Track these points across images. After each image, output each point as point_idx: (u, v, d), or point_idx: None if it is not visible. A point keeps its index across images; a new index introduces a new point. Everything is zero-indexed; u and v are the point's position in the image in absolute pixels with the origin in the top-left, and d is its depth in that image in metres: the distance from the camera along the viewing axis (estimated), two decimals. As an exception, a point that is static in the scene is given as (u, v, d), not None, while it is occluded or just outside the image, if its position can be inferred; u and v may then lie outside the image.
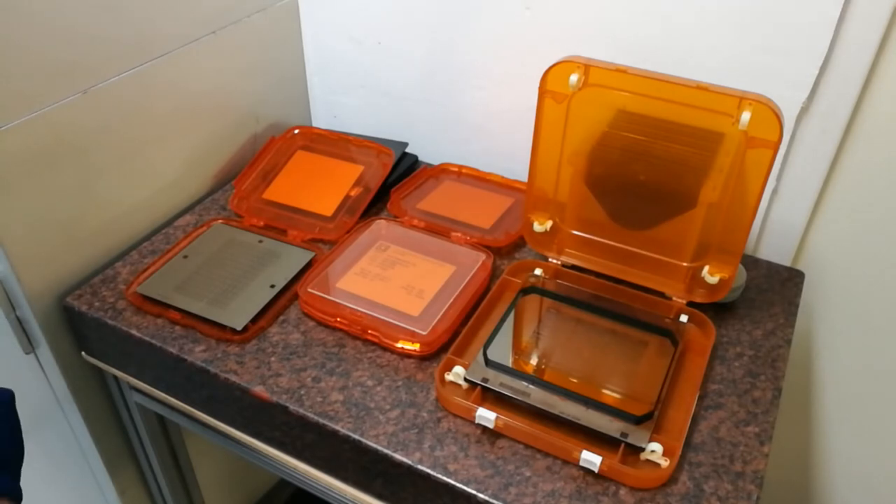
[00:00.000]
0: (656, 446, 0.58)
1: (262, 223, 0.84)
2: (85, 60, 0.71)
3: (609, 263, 0.74)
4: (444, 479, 0.58)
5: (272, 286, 0.75)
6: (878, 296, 0.82)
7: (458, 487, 0.57)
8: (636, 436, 0.58)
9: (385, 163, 0.90)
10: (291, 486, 1.29)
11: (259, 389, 0.64)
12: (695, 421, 0.63)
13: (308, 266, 0.78)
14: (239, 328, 0.69)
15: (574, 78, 0.65)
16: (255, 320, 0.71)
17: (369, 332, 0.69)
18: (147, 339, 0.70)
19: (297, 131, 0.97)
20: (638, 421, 0.59)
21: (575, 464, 0.58)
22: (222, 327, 0.70)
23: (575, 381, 0.65)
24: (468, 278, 0.75)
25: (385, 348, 0.69)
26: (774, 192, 0.80)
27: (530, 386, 0.63)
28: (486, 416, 0.60)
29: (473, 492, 0.57)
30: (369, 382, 0.65)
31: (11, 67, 0.65)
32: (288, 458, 0.69)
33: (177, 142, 0.85)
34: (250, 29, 0.90)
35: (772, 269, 0.80)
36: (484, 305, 0.72)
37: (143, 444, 0.88)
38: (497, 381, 0.63)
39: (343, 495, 0.68)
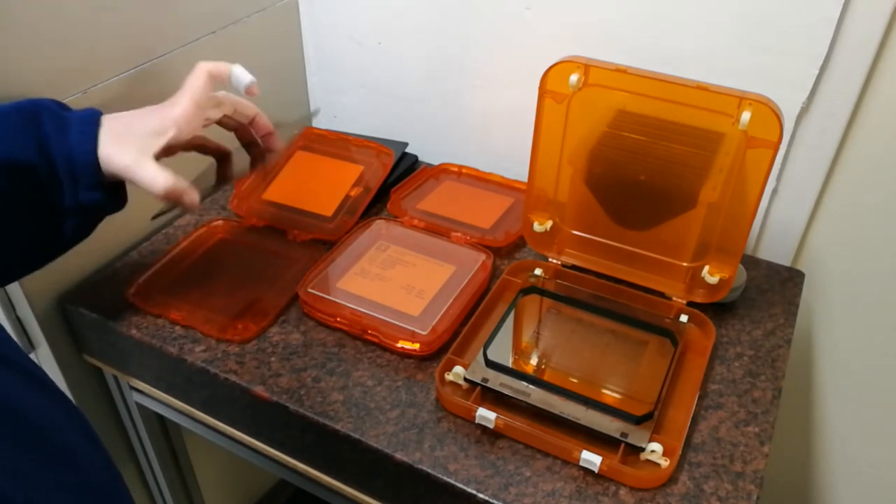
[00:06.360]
0: (656, 446, 0.58)
1: (262, 223, 0.84)
2: (84, 61, 0.71)
3: (609, 263, 0.74)
4: (444, 479, 0.58)
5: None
6: (877, 295, 0.82)
7: (458, 487, 0.57)
8: (636, 436, 0.58)
9: (385, 163, 0.90)
10: (291, 486, 1.29)
11: (259, 389, 0.64)
12: (695, 421, 0.63)
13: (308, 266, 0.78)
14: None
15: (574, 78, 0.65)
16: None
17: (369, 332, 0.69)
18: (147, 339, 0.70)
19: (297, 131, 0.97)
20: (638, 421, 0.59)
21: (575, 464, 0.58)
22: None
23: (575, 381, 0.65)
24: (468, 278, 0.75)
25: (385, 348, 0.69)
26: (774, 192, 0.80)
27: (530, 386, 0.63)
28: (486, 416, 0.60)
29: (473, 492, 0.57)
30: (369, 382, 0.65)
31: (11, 68, 0.65)
32: (288, 458, 0.69)
33: (177, 142, 0.85)
34: (250, 29, 0.90)
35: (772, 269, 0.80)
36: (484, 305, 0.72)
37: (143, 444, 0.88)
38: (497, 381, 0.63)
39: (343, 495, 0.68)
